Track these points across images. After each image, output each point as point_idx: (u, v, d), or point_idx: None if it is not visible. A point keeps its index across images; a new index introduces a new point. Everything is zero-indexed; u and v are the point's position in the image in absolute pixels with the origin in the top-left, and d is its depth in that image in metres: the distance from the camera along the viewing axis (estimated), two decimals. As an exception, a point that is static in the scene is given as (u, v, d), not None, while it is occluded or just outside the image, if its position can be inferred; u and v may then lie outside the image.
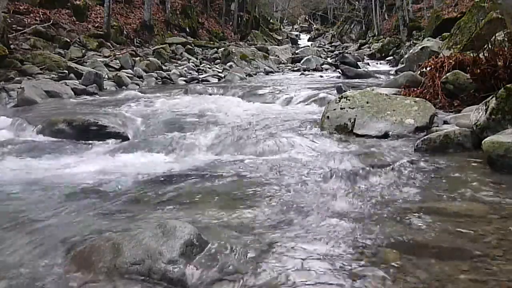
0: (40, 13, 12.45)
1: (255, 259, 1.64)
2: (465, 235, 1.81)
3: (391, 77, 7.94)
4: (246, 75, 11.30)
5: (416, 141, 3.26)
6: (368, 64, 15.28)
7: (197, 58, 14.33)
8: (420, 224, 1.94)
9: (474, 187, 2.36)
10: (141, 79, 9.66)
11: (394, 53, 17.46)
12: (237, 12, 24.51)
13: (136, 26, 15.97)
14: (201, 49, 16.53)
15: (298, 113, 5.16)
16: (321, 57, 17.14)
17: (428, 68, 5.26)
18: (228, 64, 12.82)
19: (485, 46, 4.71)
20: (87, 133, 4.21)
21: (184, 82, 9.90)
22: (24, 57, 8.90)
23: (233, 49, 14.44)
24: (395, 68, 11.84)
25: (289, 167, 2.95)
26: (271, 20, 34.10)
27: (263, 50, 15.57)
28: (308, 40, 35.07)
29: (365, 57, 18.41)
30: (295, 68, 13.94)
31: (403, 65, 10.52)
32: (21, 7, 12.24)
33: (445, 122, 3.81)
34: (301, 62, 14.78)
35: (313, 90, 7.12)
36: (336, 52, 21.72)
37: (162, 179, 2.84)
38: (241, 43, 21.65)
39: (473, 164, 2.77)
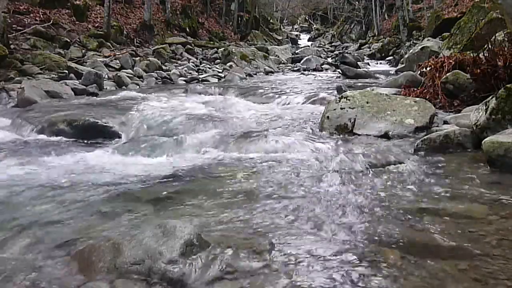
0: (40, 13, 12.45)
1: (255, 259, 1.64)
2: (465, 235, 1.81)
3: (391, 77, 7.93)
4: (246, 75, 11.28)
5: (416, 141, 3.26)
6: (368, 64, 15.26)
7: (197, 58, 14.29)
8: (420, 224, 1.94)
9: (474, 187, 2.36)
10: (141, 79, 9.64)
11: (394, 53, 17.45)
12: (237, 12, 24.49)
13: (136, 26, 15.96)
14: (201, 49, 16.49)
15: (298, 113, 5.15)
16: (321, 57, 17.09)
17: (428, 68, 5.25)
18: (228, 64, 12.79)
19: (485, 46, 4.71)
20: (87, 133, 4.22)
21: (184, 82, 9.88)
22: (24, 57, 8.88)
23: (233, 49, 14.40)
24: (395, 68, 11.83)
25: (289, 167, 2.95)
26: (271, 20, 34.06)
27: (263, 50, 15.53)
28: (308, 40, 35.06)
29: (365, 57, 18.37)
30: (295, 68, 13.92)
31: (403, 65, 10.52)
32: (21, 7, 12.24)
33: (445, 122, 3.80)
34: (301, 62, 14.74)
35: (313, 90, 7.12)
36: (336, 52, 21.67)
37: (162, 178, 2.84)
38: (241, 43, 21.62)
39: (473, 164, 2.77)
